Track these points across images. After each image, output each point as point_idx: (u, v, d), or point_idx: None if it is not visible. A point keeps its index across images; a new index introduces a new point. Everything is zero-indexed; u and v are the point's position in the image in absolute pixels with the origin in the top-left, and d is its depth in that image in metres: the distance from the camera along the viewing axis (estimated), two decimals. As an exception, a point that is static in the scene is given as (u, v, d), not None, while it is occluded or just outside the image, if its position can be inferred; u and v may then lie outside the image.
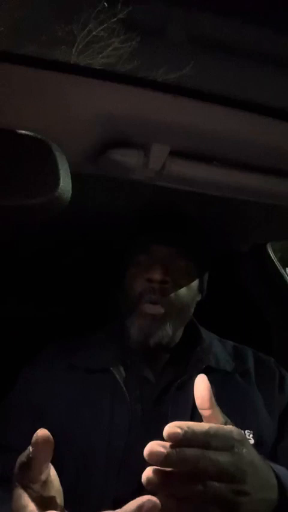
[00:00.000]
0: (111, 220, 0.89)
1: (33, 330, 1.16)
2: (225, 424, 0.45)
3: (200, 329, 0.81)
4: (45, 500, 0.42)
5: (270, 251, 1.21)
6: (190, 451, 0.38)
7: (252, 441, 0.68)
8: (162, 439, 0.44)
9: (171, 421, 0.45)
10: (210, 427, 0.41)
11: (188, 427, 0.39)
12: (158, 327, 0.70)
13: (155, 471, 0.38)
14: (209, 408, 0.44)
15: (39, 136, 0.39)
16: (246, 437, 0.45)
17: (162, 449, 0.38)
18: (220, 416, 0.45)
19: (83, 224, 0.99)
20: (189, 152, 0.53)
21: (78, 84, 0.42)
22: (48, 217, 0.40)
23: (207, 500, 0.39)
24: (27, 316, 1.25)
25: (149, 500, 0.36)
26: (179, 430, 0.38)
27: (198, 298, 0.80)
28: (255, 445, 0.68)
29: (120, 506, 0.39)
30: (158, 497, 0.38)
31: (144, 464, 0.40)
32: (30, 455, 0.40)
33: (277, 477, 0.47)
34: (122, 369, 0.72)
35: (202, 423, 0.42)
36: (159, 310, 0.70)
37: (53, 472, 0.44)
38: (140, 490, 0.39)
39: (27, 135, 0.39)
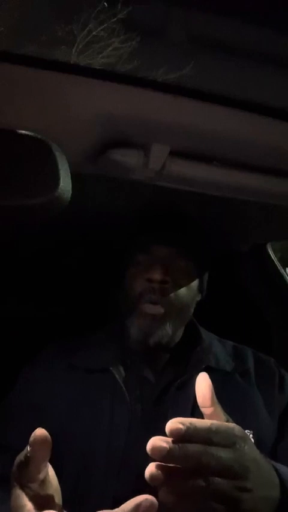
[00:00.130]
0: (111, 220, 0.89)
1: (33, 330, 1.16)
2: (227, 421, 0.45)
3: (199, 329, 0.81)
4: (44, 500, 0.42)
5: (270, 251, 1.21)
6: (193, 447, 0.39)
7: (252, 441, 0.68)
8: None
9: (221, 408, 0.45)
10: (212, 424, 0.41)
11: (190, 423, 0.39)
12: (158, 327, 0.70)
13: (158, 466, 0.38)
14: (211, 406, 0.44)
15: (39, 136, 0.39)
16: (247, 435, 0.45)
17: (165, 445, 0.38)
18: (222, 414, 0.45)
19: (83, 224, 0.99)
20: (189, 152, 0.53)
21: (78, 84, 0.42)
22: (48, 217, 0.40)
23: (209, 496, 0.39)
24: (27, 316, 1.25)
25: (146, 499, 0.36)
26: (181, 426, 0.39)
27: (198, 298, 0.80)
28: (255, 445, 0.68)
29: (120, 505, 0.39)
30: (160, 494, 0.38)
31: (145, 464, 0.40)
32: (28, 455, 0.40)
33: (279, 475, 0.47)
34: (121, 368, 0.72)
35: (204, 420, 0.42)
36: (159, 310, 0.70)
37: (51, 471, 0.44)
38: (140, 489, 0.39)
39: (27, 135, 0.39)
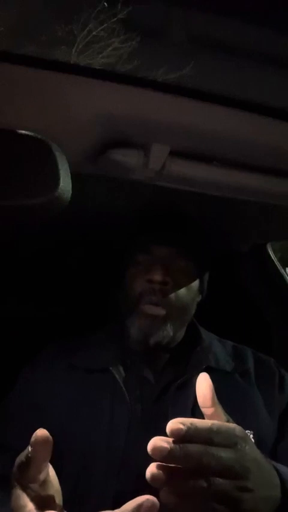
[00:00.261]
0: (111, 220, 0.89)
1: (33, 330, 1.16)
2: (228, 422, 0.45)
3: (199, 329, 0.81)
4: (44, 500, 0.42)
5: (270, 251, 1.21)
6: (193, 447, 0.39)
7: (252, 441, 0.68)
8: None
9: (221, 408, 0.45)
10: (213, 424, 0.41)
11: (191, 424, 0.39)
12: (159, 328, 0.70)
13: (159, 467, 0.38)
14: (211, 406, 0.44)
15: (39, 136, 0.39)
16: (248, 435, 0.45)
17: (165, 445, 0.38)
18: (222, 415, 0.45)
19: (83, 224, 0.99)
20: (189, 152, 0.53)
21: (78, 84, 0.42)
22: (48, 217, 0.40)
23: (210, 496, 0.39)
24: (27, 316, 1.25)
25: (147, 499, 0.36)
26: (182, 426, 0.38)
27: (199, 298, 0.80)
28: (256, 445, 0.68)
29: (120, 505, 0.39)
30: (161, 494, 0.38)
31: (145, 464, 0.40)
32: (29, 455, 0.40)
33: (279, 475, 0.47)
34: (121, 369, 0.72)
35: (205, 420, 0.42)
36: (160, 311, 0.70)
37: (51, 471, 0.44)
38: (140, 489, 0.39)
39: (27, 135, 0.39)
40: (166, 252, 0.74)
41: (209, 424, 0.41)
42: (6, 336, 1.15)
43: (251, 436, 0.68)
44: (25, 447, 0.44)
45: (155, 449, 0.38)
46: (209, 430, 0.40)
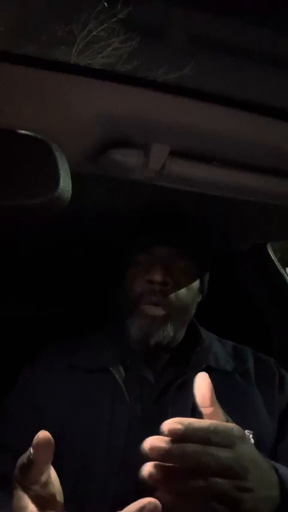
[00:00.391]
0: (111, 220, 0.89)
1: (33, 330, 1.16)
2: (227, 421, 0.44)
3: (199, 329, 0.81)
4: (46, 501, 0.42)
5: (270, 251, 1.21)
6: (191, 447, 0.38)
7: (252, 441, 0.68)
8: None
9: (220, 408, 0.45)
10: (211, 424, 0.41)
11: (189, 423, 0.39)
12: (159, 328, 0.70)
13: (156, 466, 0.38)
14: (210, 406, 0.44)
15: (39, 136, 0.39)
16: (247, 435, 0.45)
17: (163, 444, 0.38)
18: (221, 414, 0.45)
19: (83, 224, 0.99)
20: (189, 152, 0.53)
21: (78, 84, 0.42)
22: (48, 217, 0.40)
23: (209, 496, 0.38)
24: (27, 316, 1.25)
25: (150, 502, 0.36)
26: (179, 426, 0.38)
27: (199, 298, 0.80)
28: (255, 445, 0.68)
29: (119, 505, 0.39)
30: (160, 494, 0.38)
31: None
32: (31, 457, 0.40)
33: (279, 475, 0.47)
34: (121, 369, 0.72)
35: (203, 420, 0.42)
36: (160, 311, 0.70)
37: (53, 472, 0.44)
38: (140, 489, 0.39)
39: (27, 135, 0.39)
40: (166, 252, 0.74)
41: (207, 424, 0.41)
42: (6, 336, 1.15)
43: (251, 436, 0.68)
44: (25, 447, 0.44)
45: (152, 448, 0.37)
46: (207, 430, 0.40)
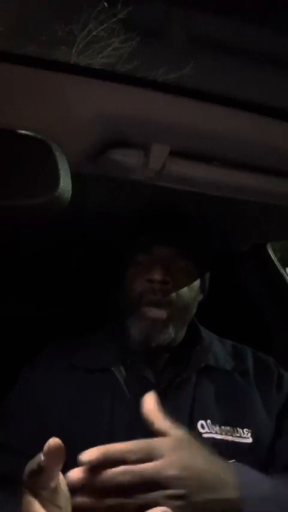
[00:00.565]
0: (111, 220, 0.89)
1: (33, 330, 1.16)
2: (173, 432, 0.46)
3: (200, 328, 0.81)
4: (55, 507, 0.42)
5: (270, 251, 1.21)
6: (107, 470, 0.41)
7: (250, 440, 0.68)
8: None
9: (171, 420, 0.46)
10: (129, 444, 0.43)
11: (105, 449, 0.42)
12: (161, 331, 0.70)
13: (83, 495, 0.41)
14: (155, 424, 0.46)
15: (39, 136, 0.39)
16: (184, 442, 0.46)
17: (81, 475, 0.41)
18: (167, 428, 0.46)
19: (83, 224, 0.99)
20: (189, 152, 0.53)
21: (78, 84, 0.42)
22: (48, 217, 0.40)
23: (141, 509, 0.40)
24: (27, 316, 1.25)
25: (163, 511, 0.38)
26: (95, 454, 0.41)
27: (200, 298, 0.80)
28: (253, 444, 0.68)
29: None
30: None
31: None
32: (42, 464, 0.40)
33: (236, 476, 0.47)
34: (122, 368, 0.72)
35: (122, 443, 0.44)
36: (161, 314, 0.70)
37: (62, 478, 0.44)
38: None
39: (27, 135, 0.39)
40: (166, 252, 0.74)
41: (125, 445, 0.43)
42: (6, 336, 1.15)
43: (249, 435, 0.68)
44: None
45: (70, 481, 0.41)
46: (124, 451, 0.42)
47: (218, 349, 0.78)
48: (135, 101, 0.45)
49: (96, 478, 0.40)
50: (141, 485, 0.41)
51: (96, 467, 0.41)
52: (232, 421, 0.69)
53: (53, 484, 0.42)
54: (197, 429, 0.67)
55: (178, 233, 0.76)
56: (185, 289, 0.73)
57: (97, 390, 0.70)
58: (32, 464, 0.42)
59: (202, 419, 0.68)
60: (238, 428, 0.68)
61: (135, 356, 0.74)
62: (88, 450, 0.42)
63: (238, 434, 0.68)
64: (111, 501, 0.41)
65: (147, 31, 0.63)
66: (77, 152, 0.52)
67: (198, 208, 0.78)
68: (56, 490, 0.43)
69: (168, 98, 0.44)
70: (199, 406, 0.69)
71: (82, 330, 0.84)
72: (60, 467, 0.42)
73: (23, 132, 0.39)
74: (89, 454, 0.41)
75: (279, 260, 1.24)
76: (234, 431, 0.68)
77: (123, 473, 0.41)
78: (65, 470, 0.44)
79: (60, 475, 0.44)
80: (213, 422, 0.68)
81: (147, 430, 0.46)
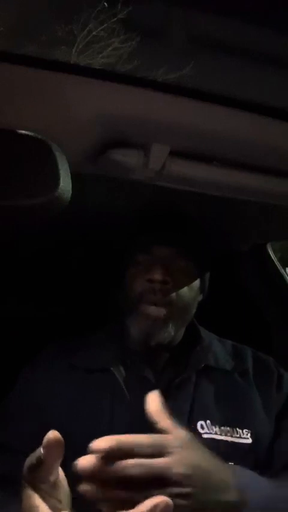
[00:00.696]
0: (111, 220, 0.89)
1: (33, 330, 1.16)
2: (176, 431, 0.46)
3: (199, 329, 0.81)
4: (55, 501, 0.42)
5: (270, 251, 1.21)
6: (120, 462, 0.40)
7: (250, 440, 0.68)
8: None
9: (171, 420, 0.46)
10: (138, 437, 0.43)
11: (116, 440, 0.41)
12: (160, 329, 0.70)
13: (89, 483, 0.40)
14: (159, 422, 0.46)
15: (39, 136, 0.39)
16: (190, 442, 0.46)
17: (91, 462, 0.40)
18: (171, 427, 0.46)
19: (83, 224, 0.99)
20: (189, 152, 0.53)
21: (78, 84, 0.42)
22: (48, 217, 0.40)
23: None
24: (27, 316, 1.25)
25: (162, 500, 0.37)
26: (104, 444, 0.40)
27: (199, 298, 0.80)
28: (253, 444, 0.68)
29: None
30: (102, 507, 0.41)
31: None
32: (42, 458, 0.40)
33: (235, 478, 0.47)
34: (122, 368, 0.72)
35: (134, 435, 0.43)
36: (161, 312, 0.70)
37: (61, 472, 0.44)
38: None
39: (27, 135, 0.39)
40: (166, 252, 0.74)
41: (137, 438, 0.42)
42: (6, 336, 1.15)
43: (249, 435, 0.68)
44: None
45: (81, 468, 0.40)
46: (135, 444, 0.42)
47: (218, 349, 0.78)
48: (135, 101, 0.45)
49: (106, 468, 0.40)
50: (149, 480, 0.40)
51: (106, 457, 0.40)
52: (232, 422, 0.69)
53: (52, 478, 0.42)
54: (197, 430, 0.67)
55: (178, 233, 0.76)
56: (184, 289, 0.73)
57: (97, 390, 0.70)
58: (31, 458, 0.42)
59: (202, 419, 0.68)
60: (238, 429, 0.68)
61: (135, 356, 0.74)
62: (100, 438, 0.41)
63: (238, 435, 0.68)
64: (117, 493, 0.40)
65: (147, 31, 0.63)
66: (77, 152, 0.52)
67: (198, 208, 0.78)
68: (55, 484, 0.43)
69: (168, 98, 0.44)
70: (199, 407, 0.69)
71: (82, 330, 0.84)
72: (60, 460, 0.42)
73: (23, 132, 0.39)
74: (101, 443, 0.40)
75: (279, 260, 1.24)
76: (233, 432, 0.68)
77: (135, 466, 0.40)
78: (65, 468, 0.45)
79: (60, 470, 0.44)
80: (212, 423, 0.68)
81: (147, 430, 0.46)
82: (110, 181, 0.63)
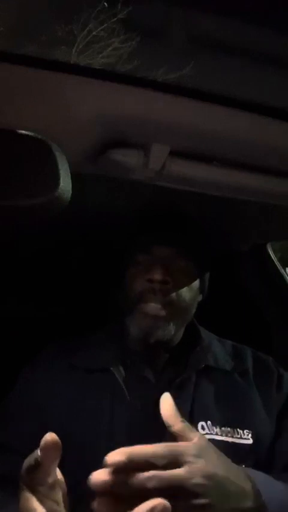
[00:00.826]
0: (111, 220, 0.89)
1: (33, 330, 1.16)
2: (192, 437, 0.45)
3: (199, 329, 0.81)
4: (53, 502, 0.42)
5: (270, 251, 1.21)
6: (135, 474, 0.39)
7: (250, 441, 0.68)
8: (162, 438, 0.45)
9: (184, 423, 0.46)
10: (156, 447, 0.42)
11: (131, 452, 0.40)
12: (160, 326, 0.70)
13: (102, 500, 0.39)
14: (174, 425, 0.45)
15: (39, 136, 0.39)
16: (205, 447, 0.45)
17: (106, 477, 0.39)
18: (187, 431, 0.45)
19: (83, 224, 0.99)
20: (189, 152, 0.53)
21: (78, 84, 0.42)
22: (48, 217, 0.40)
23: None
24: (27, 316, 1.25)
25: (160, 503, 0.37)
26: (120, 457, 0.39)
27: (199, 298, 0.80)
28: (254, 444, 0.68)
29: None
30: None
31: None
32: (39, 460, 0.40)
33: (255, 485, 0.47)
34: (121, 368, 0.72)
35: (148, 445, 0.42)
36: (161, 311, 0.70)
37: (59, 474, 0.44)
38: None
39: (27, 135, 0.39)
40: (166, 252, 0.74)
41: (151, 449, 0.41)
42: (6, 336, 1.15)
43: (250, 435, 0.68)
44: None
45: (95, 483, 0.39)
46: (150, 455, 0.41)
47: (218, 350, 0.78)
48: (135, 101, 0.45)
49: (121, 481, 0.39)
50: (167, 492, 0.39)
51: (120, 470, 0.40)
52: (232, 422, 0.69)
53: (50, 480, 0.42)
54: (197, 430, 0.67)
55: (178, 233, 0.76)
56: (184, 289, 0.73)
57: (97, 390, 0.70)
58: (29, 460, 0.42)
59: (202, 420, 0.68)
60: (238, 429, 0.68)
61: (135, 356, 0.74)
62: (114, 452, 0.40)
63: (238, 436, 0.68)
64: (132, 507, 0.39)
65: (147, 31, 0.63)
66: (77, 152, 0.52)
67: (198, 208, 0.78)
68: (53, 486, 0.43)
69: (168, 98, 0.44)
70: (199, 407, 0.69)
71: (82, 330, 0.84)
72: (57, 462, 0.42)
73: (23, 132, 0.39)
74: (115, 456, 0.40)
75: (279, 260, 1.24)
76: (234, 433, 0.68)
77: (151, 479, 0.39)
78: (63, 469, 0.45)
79: (58, 472, 0.44)
80: (213, 424, 0.68)
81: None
82: (110, 181, 0.63)
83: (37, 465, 0.41)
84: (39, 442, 0.41)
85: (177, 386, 0.70)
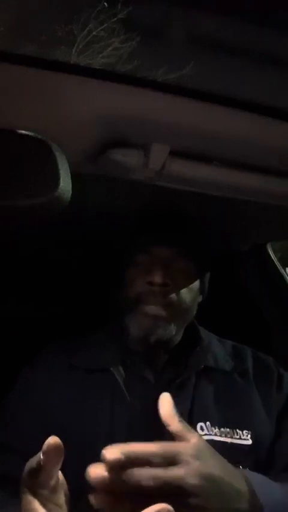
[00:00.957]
0: (111, 220, 0.89)
1: (33, 330, 1.16)
2: (190, 438, 0.45)
3: (199, 329, 0.81)
4: (55, 505, 0.42)
5: (270, 251, 1.21)
6: (131, 471, 0.40)
7: (250, 442, 0.68)
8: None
9: (182, 423, 0.46)
10: (153, 446, 0.42)
11: (129, 449, 0.40)
12: (160, 327, 0.70)
13: (99, 495, 0.40)
14: (172, 425, 0.45)
15: (39, 136, 0.39)
16: (204, 451, 0.45)
17: (104, 472, 0.39)
18: (185, 430, 0.46)
19: (83, 224, 0.99)
20: (189, 152, 0.53)
21: (78, 84, 0.42)
22: (48, 217, 0.40)
23: None
24: (27, 316, 1.25)
25: (163, 507, 0.37)
26: (118, 454, 0.39)
27: (200, 299, 0.80)
28: (253, 445, 0.68)
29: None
30: None
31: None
32: (41, 463, 0.40)
33: (251, 487, 0.47)
34: (121, 369, 0.72)
35: (146, 443, 0.43)
36: (161, 312, 0.70)
37: (61, 477, 0.44)
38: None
39: (27, 135, 0.39)
40: (166, 253, 0.74)
41: (149, 447, 0.42)
42: (6, 336, 1.15)
43: (249, 436, 0.68)
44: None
45: (93, 477, 0.39)
46: (147, 453, 0.41)
47: (218, 350, 0.78)
48: (135, 101, 0.45)
49: (118, 478, 0.39)
50: (162, 491, 0.40)
51: (118, 466, 0.40)
52: (232, 423, 0.69)
53: (52, 483, 0.42)
54: (196, 431, 0.67)
55: (178, 233, 0.76)
56: (184, 291, 0.73)
57: (97, 390, 0.70)
58: (31, 463, 0.42)
59: (201, 421, 0.68)
60: (238, 430, 0.68)
61: (135, 356, 0.74)
62: (112, 448, 0.40)
63: (238, 436, 0.68)
64: (128, 503, 0.40)
65: (147, 31, 0.63)
66: (77, 152, 0.52)
67: (198, 208, 0.77)
68: (55, 489, 0.43)
69: (168, 98, 0.44)
70: (198, 408, 0.69)
71: (82, 330, 0.84)
72: (59, 466, 0.42)
73: (23, 132, 0.39)
74: (113, 453, 0.40)
75: (279, 260, 1.24)
76: (233, 433, 0.68)
77: (148, 477, 0.40)
78: (64, 470, 0.44)
79: (60, 474, 0.44)
80: (212, 424, 0.68)
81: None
82: (110, 181, 0.63)
83: (39, 468, 0.41)
84: (39, 442, 0.41)
85: (177, 386, 0.70)
